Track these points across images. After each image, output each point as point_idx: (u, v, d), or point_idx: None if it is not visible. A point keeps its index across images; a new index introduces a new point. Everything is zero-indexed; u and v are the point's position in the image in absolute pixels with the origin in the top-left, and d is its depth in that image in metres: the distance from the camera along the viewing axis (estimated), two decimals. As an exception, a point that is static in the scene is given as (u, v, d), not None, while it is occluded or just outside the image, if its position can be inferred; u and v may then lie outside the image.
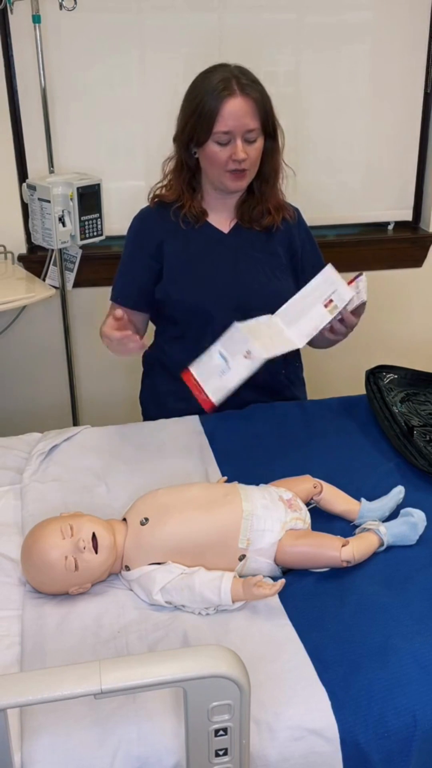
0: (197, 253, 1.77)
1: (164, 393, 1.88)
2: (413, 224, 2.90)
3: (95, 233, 2.41)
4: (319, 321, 1.54)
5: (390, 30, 2.59)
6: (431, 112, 2.74)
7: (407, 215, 2.88)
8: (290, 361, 1.91)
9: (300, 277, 1.83)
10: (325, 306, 1.54)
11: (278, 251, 1.81)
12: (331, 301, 1.55)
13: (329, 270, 1.57)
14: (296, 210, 1.87)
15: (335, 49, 2.57)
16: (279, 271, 1.81)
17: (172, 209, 1.76)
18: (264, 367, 1.79)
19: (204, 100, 1.61)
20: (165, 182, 1.79)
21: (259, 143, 1.66)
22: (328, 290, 1.56)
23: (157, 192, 1.79)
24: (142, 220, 1.82)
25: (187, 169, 1.73)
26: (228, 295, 1.76)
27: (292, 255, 1.83)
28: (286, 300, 1.81)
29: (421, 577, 1.27)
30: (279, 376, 1.87)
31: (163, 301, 1.80)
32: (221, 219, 1.79)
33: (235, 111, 1.60)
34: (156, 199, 1.79)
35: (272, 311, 1.78)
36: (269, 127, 1.67)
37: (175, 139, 1.72)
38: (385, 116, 2.70)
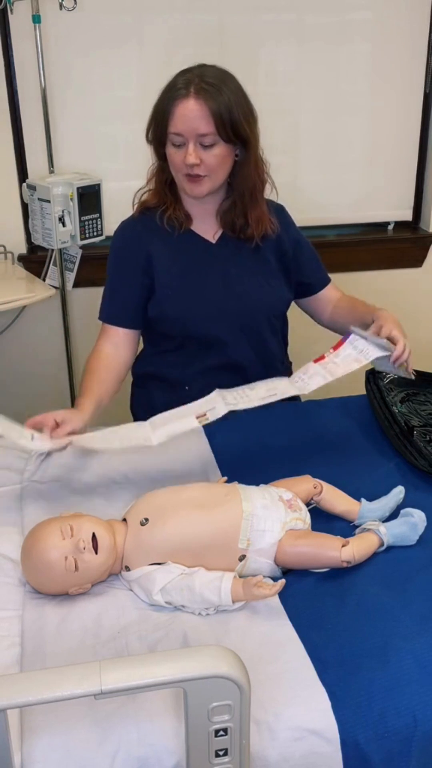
0: (187, 267, 1.74)
1: (160, 405, 1.85)
2: (413, 224, 2.90)
3: (95, 233, 2.41)
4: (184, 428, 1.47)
5: (390, 30, 2.59)
6: (431, 112, 2.74)
7: (407, 215, 2.88)
8: (285, 353, 1.93)
9: (293, 277, 1.82)
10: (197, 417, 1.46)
11: (268, 258, 1.78)
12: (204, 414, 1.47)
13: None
14: (280, 208, 1.82)
15: (335, 49, 2.58)
16: (271, 278, 1.79)
17: (158, 213, 1.73)
18: (258, 352, 1.80)
19: (161, 101, 1.60)
20: (148, 187, 1.76)
21: (219, 150, 1.59)
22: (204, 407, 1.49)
23: (143, 198, 1.76)
24: (124, 234, 1.77)
25: (163, 170, 1.70)
26: (224, 309, 1.74)
27: (281, 257, 1.80)
28: (281, 309, 1.82)
29: (421, 577, 1.27)
30: (279, 369, 1.86)
31: (157, 319, 1.76)
32: (205, 227, 1.76)
33: (185, 113, 1.56)
34: (141, 207, 1.76)
35: (268, 321, 1.80)
36: (228, 134, 1.58)
37: (146, 139, 1.69)
38: (385, 116, 2.70)
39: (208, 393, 1.75)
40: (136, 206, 1.77)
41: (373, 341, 1.55)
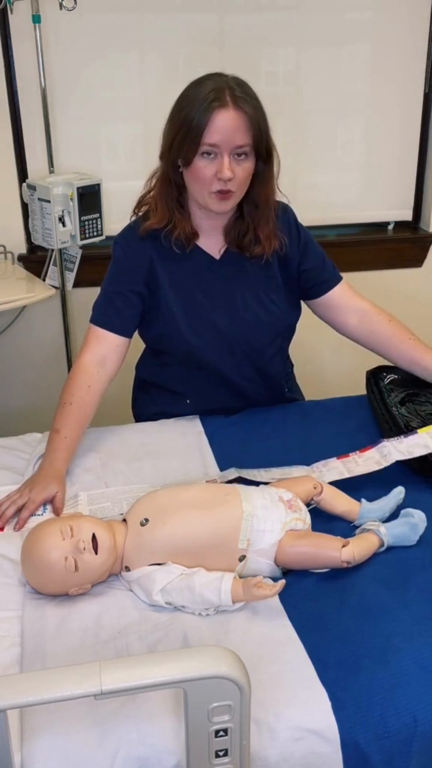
0: (189, 284, 1.68)
1: (162, 412, 1.83)
2: (413, 224, 2.90)
3: (95, 233, 2.41)
4: None
5: (390, 30, 2.59)
6: (431, 112, 2.74)
7: (407, 215, 2.88)
8: (286, 365, 1.91)
9: (301, 284, 1.75)
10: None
11: (274, 273, 1.72)
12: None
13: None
14: (284, 207, 1.73)
15: (335, 48, 2.58)
16: (274, 293, 1.72)
17: (163, 234, 1.64)
18: (266, 373, 1.80)
19: (192, 112, 1.49)
20: (148, 206, 1.66)
21: (249, 164, 1.54)
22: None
23: (147, 224, 1.64)
24: (129, 241, 1.68)
25: (175, 187, 1.61)
26: (224, 331, 1.69)
27: (287, 269, 1.73)
28: (286, 327, 1.78)
29: (421, 577, 1.27)
30: (281, 384, 1.86)
31: (156, 336, 1.72)
32: (211, 243, 1.68)
33: (224, 124, 1.48)
34: (145, 232, 1.64)
35: (271, 341, 1.75)
36: (261, 148, 1.54)
37: (162, 156, 1.59)
38: (385, 116, 2.70)
39: (208, 408, 1.79)
40: (142, 226, 1.65)
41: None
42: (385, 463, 1.50)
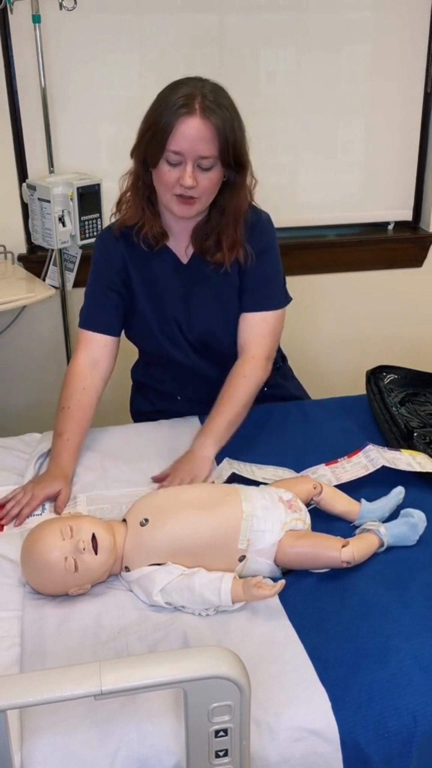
0: (155, 286, 1.68)
1: (159, 411, 1.84)
2: (413, 224, 2.90)
3: (95, 233, 2.41)
4: None
5: (390, 30, 2.59)
6: (431, 112, 2.74)
7: (407, 215, 2.88)
8: (278, 365, 1.89)
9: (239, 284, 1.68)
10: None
11: (235, 277, 1.67)
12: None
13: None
14: (266, 218, 1.68)
15: (335, 48, 2.57)
16: (235, 302, 1.69)
17: (134, 231, 1.63)
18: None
19: (161, 115, 1.46)
20: (125, 203, 1.65)
21: (215, 173, 1.51)
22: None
23: (124, 216, 1.64)
24: (105, 243, 1.69)
25: (144, 185, 1.59)
26: (184, 335, 1.71)
27: (240, 272, 1.68)
28: (233, 335, 1.69)
29: (421, 577, 1.27)
30: (271, 378, 1.85)
31: (132, 336, 1.75)
32: (179, 245, 1.67)
33: (189, 132, 1.45)
34: (120, 226, 1.65)
35: (230, 346, 1.69)
36: (229, 158, 1.50)
37: (132, 153, 1.57)
38: (384, 116, 2.70)
39: (196, 402, 1.77)
40: (116, 222, 1.66)
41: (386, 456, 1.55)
42: (372, 468, 1.51)
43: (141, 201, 1.61)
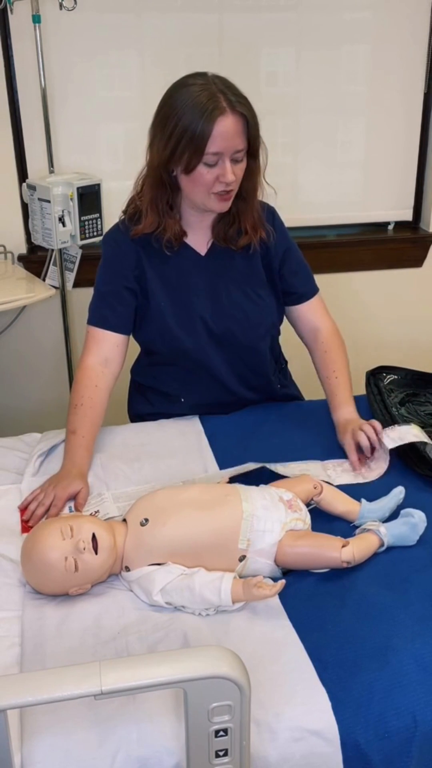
0: (176, 281, 1.68)
1: (158, 413, 1.83)
2: (413, 224, 2.90)
3: (95, 233, 2.41)
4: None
5: (390, 30, 2.59)
6: (431, 112, 2.74)
7: (407, 215, 2.88)
8: (279, 363, 1.91)
9: (279, 287, 1.76)
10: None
11: (258, 267, 1.72)
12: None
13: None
14: (272, 211, 1.74)
15: (335, 49, 2.57)
16: (260, 288, 1.73)
17: (153, 236, 1.64)
18: (256, 369, 1.80)
19: (191, 121, 1.47)
20: (143, 213, 1.63)
21: (245, 163, 1.56)
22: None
23: (139, 227, 1.64)
24: (117, 239, 1.69)
25: (167, 190, 1.60)
26: (211, 327, 1.70)
27: (269, 268, 1.74)
28: (272, 321, 1.77)
29: (421, 577, 1.27)
30: (271, 379, 1.85)
31: (146, 336, 1.74)
32: (198, 239, 1.69)
33: (226, 131, 1.47)
34: (136, 236, 1.64)
35: (259, 335, 1.75)
36: (255, 148, 1.55)
37: (157, 164, 1.56)
38: (385, 116, 2.70)
39: (202, 406, 1.80)
40: (131, 230, 1.65)
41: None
42: (362, 480, 1.55)
43: (161, 207, 1.62)
